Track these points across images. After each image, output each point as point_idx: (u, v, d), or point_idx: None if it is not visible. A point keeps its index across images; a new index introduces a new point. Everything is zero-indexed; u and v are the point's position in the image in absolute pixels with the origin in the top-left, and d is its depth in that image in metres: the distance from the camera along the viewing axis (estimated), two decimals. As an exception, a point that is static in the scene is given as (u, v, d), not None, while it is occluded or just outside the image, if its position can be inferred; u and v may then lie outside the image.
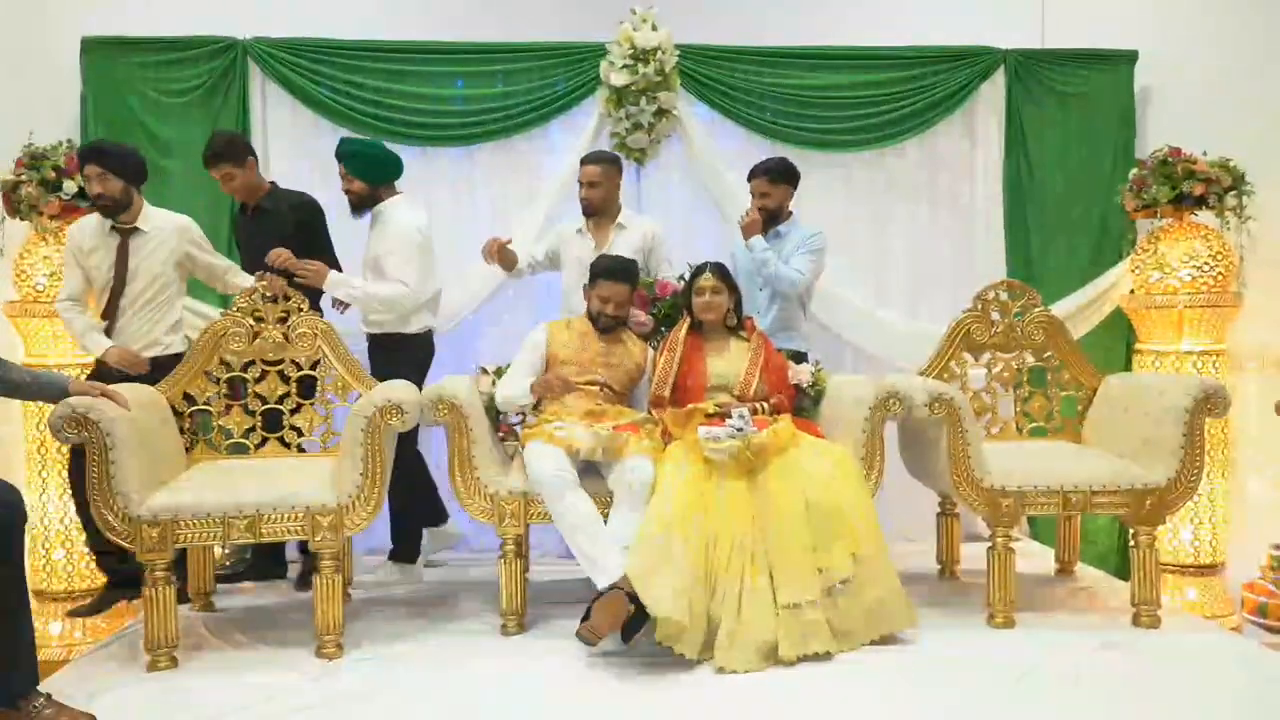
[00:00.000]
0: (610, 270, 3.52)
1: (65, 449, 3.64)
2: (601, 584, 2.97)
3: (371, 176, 3.77)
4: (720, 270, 3.56)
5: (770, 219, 3.95)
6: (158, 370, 3.47)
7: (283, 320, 3.42)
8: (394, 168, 3.84)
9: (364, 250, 3.81)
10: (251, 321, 3.41)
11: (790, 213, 4.01)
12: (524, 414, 3.55)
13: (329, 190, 4.25)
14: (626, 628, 2.90)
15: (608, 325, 3.54)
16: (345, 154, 3.80)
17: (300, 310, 3.43)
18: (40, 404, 3.60)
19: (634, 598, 2.87)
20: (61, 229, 3.72)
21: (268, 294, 3.43)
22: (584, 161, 3.97)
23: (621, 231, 3.97)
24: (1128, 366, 4.48)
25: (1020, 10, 4.77)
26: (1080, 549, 4.03)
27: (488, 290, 4.37)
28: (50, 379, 2.97)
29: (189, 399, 3.40)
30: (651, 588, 2.85)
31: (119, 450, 2.86)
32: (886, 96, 4.56)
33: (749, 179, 4.01)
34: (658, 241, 3.99)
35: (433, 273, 3.80)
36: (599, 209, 3.95)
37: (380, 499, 3.09)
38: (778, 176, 3.95)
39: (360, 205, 3.80)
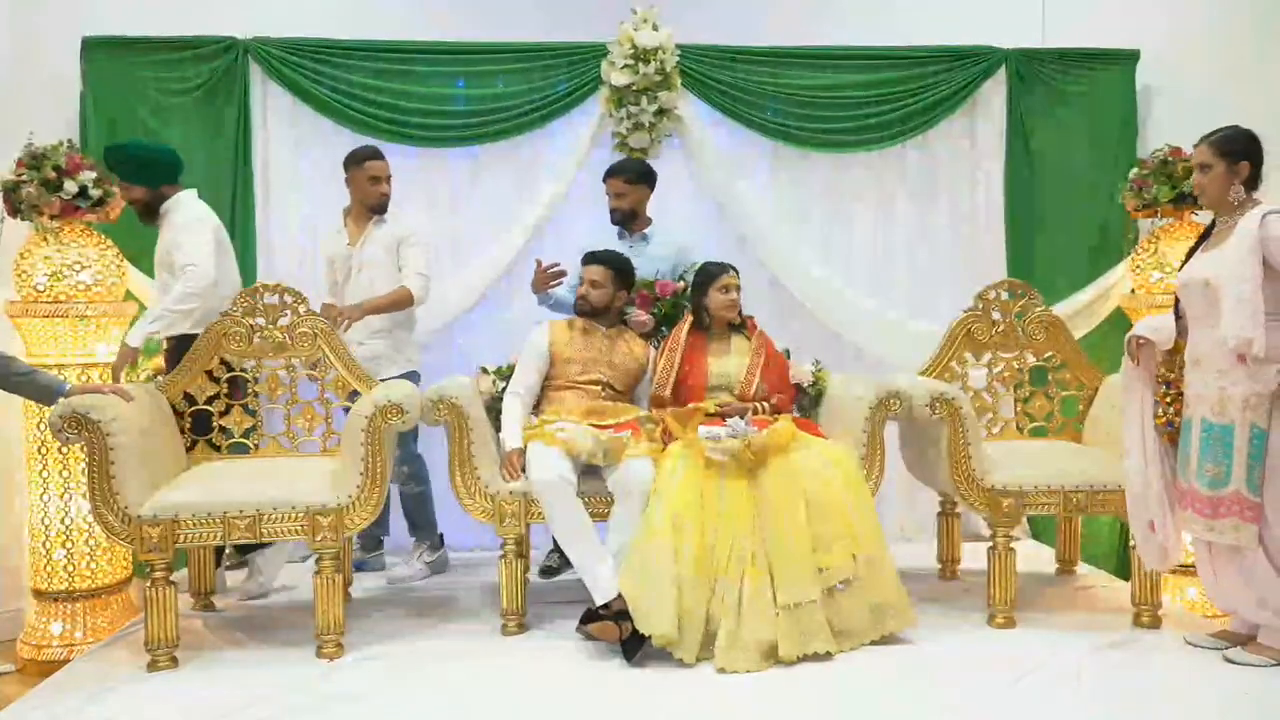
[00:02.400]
0: (598, 258, 3.58)
1: (66, 449, 3.64)
2: (597, 599, 3.01)
3: (147, 179, 3.59)
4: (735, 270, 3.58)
5: (626, 219, 3.97)
6: None
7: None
8: (169, 165, 3.64)
9: (155, 252, 3.65)
10: (252, 321, 3.41)
11: (649, 218, 4.03)
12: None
13: (329, 186, 4.25)
14: (627, 645, 2.92)
15: (583, 309, 3.55)
16: (112, 165, 3.60)
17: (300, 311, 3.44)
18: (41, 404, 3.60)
19: (627, 613, 2.91)
20: (61, 229, 3.72)
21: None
22: (377, 156, 3.91)
23: (380, 225, 3.92)
24: (1129, 366, 4.46)
25: (1021, 10, 4.75)
26: (1081, 549, 4.03)
27: (485, 284, 4.38)
28: (46, 380, 2.94)
29: (189, 399, 3.40)
30: (642, 605, 2.89)
31: (119, 450, 2.87)
32: (888, 96, 4.54)
33: (604, 179, 3.99)
34: (401, 236, 3.89)
35: (231, 270, 3.69)
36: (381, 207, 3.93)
37: (380, 499, 3.09)
38: (635, 178, 3.96)
39: (146, 213, 3.63)
